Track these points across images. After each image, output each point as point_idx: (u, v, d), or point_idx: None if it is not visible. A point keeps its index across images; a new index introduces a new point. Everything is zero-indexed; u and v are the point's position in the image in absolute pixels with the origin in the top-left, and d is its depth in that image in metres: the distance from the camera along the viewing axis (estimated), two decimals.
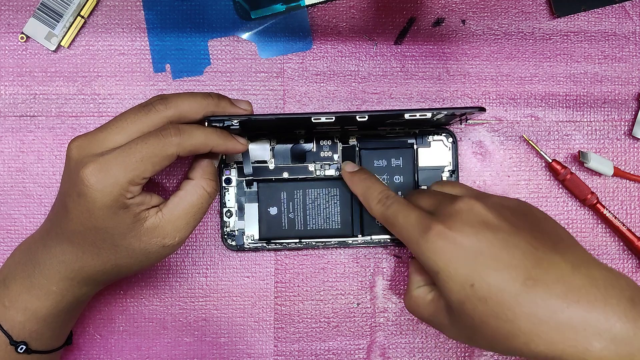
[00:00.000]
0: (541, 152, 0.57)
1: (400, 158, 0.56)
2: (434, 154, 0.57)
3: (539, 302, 0.41)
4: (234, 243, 0.56)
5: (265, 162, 0.56)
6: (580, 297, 0.40)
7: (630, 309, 0.40)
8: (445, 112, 0.48)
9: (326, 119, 0.48)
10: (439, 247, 0.44)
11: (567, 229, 0.58)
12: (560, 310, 0.40)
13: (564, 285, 0.41)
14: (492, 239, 0.43)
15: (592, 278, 0.41)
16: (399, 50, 0.58)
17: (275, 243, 0.56)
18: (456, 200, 0.46)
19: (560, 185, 0.58)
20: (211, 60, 0.57)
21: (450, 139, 0.57)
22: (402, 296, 0.58)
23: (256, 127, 0.54)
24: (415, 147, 0.57)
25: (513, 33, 0.59)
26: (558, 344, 0.40)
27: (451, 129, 0.57)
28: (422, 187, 0.57)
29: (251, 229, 0.56)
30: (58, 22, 0.55)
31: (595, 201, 0.57)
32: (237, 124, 0.48)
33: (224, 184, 0.56)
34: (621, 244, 0.58)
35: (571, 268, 0.42)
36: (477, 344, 0.44)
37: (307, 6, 0.57)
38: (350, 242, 0.57)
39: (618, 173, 0.57)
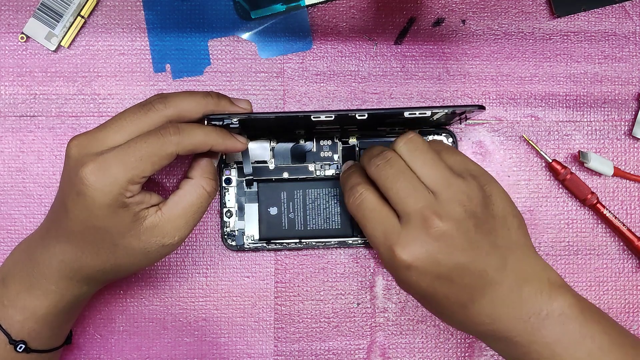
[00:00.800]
0: (541, 152, 0.57)
1: None
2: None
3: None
4: (234, 243, 0.56)
5: (265, 162, 0.56)
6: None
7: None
8: (445, 110, 0.48)
9: (326, 117, 0.48)
10: (402, 276, 0.46)
11: (567, 229, 0.58)
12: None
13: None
14: (449, 260, 0.44)
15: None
16: (399, 50, 0.58)
17: (275, 243, 0.56)
18: (423, 222, 0.45)
19: (560, 185, 0.58)
20: (211, 60, 0.57)
21: (451, 139, 0.57)
22: (407, 295, 0.58)
23: (256, 127, 0.54)
24: None
25: (513, 33, 0.59)
26: None
27: (451, 129, 0.57)
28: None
29: (251, 229, 0.56)
30: (58, 22, 0.55)
31: (595, 201, 0.57)
32: (237, 123, 0.48)
33: (224, 184, 0.56)
34: (621, 244, 0.58)
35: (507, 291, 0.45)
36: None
37: (307, 6, 0.57)
38: (350, 242, 0.56)
39: (618, 173, 0.57)
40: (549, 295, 0.45)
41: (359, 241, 0.56)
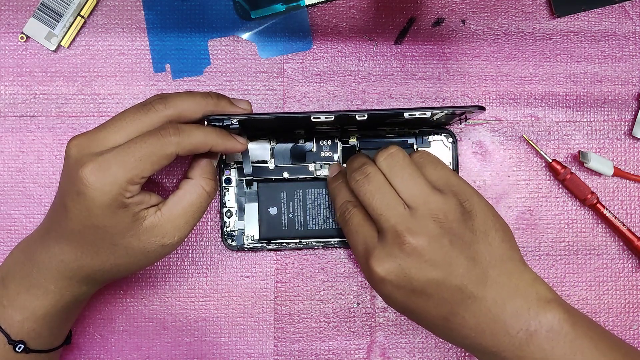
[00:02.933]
0: (541, 152, 0.57)
1: None
2: (434, 153, 0.57)
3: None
4: (234, 243, 0.56)
5: (265, 162, 0.56)
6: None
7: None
8: (444, 111, 0.48)
9: (325, 118, 0.48)
10: (379, 289, 0.47)
11: (567, 229, 0.58)
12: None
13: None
14: (421, 275, 0.45)
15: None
16: (399, 50, 0.58)
17: (275, 243, 0.56)
18: (398, 238, 0.45)
19: (560, 185, 0.58)
20: (211, 60, 0.57)
21: (450, 139, 0.57)
22: None
23: (256, 127, 0.54)
24: (415, 147, 0.57)
25: (513, 33, 0.58)
26: None
27: (451, 129, 0.57)
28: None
29: (251, 229, 0.56)
30: (58, 22, 0.55)
31: (595, 201, 0.57)
32: (237, 123, 0.48)
33: (224, 184, 0.56)
34: (621, 243, 0.58)
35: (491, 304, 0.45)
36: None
37: (307, 6, 0.57)
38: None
39: (618, 173, 0.57)
40: (536, 311, 0.45)
41: None
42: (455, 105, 0.58)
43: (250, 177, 0.56)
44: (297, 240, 0.56)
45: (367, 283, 0.57)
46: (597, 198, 0.57)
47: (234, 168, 0.56)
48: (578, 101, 0.58)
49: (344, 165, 0.56)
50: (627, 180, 0.58)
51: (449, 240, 0.45)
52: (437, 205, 0.46)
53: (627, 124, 0.59)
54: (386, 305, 0.57)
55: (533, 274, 0.47)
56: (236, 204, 0.56)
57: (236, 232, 0.56)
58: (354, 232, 0.48)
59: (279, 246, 0.56)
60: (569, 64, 0.59)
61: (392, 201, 0.46)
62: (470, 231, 0.46)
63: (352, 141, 0.57)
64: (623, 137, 0.58)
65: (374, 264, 0.46)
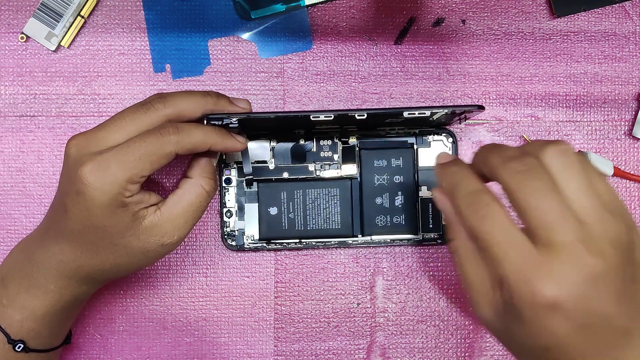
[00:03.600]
0: None
1: (401, 158, 0.56)
2: (434, 154, 0.57)
3: None
4: (234, 243, 0.56)
5: (265, 162, 0.56)
6: None
7: None
8: (444, 111, 0.48)
9: (325, 117, 0.48)
10: (538, 318, 0.38)
11: None
12: None
13: None
14: (600, 307, 0.37)
15: None
16: (399, 50, 0.58)
17: (275, 243, 0.56)
18: (560, 248, 0.37)
19: None
20: (211, 60, 0.57)
21: (450, 139, 0.57)
22: (407, 295, 0.57)
23: (255, 126, 0.54)
24: (415, 147, 0.57)
25: (513, 33, 0.58)
26: None
27: (451, 129, 0.57)
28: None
29: (251, 229, 0.56)
30: (58, 22, 0.55)
31: None
32: (236, 123, 0.48)
33: (224, 184, 0.56)
34: None
35: None
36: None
37: (307, 6, 0.57)
38: (350, 242, 0.56)
39: (618, 173, 0.57)
40: None
41: (359, 241, 0.56)
42: (455, 104, 0.58)
43: (250, 177, 0.56)
44: (297, 240, 0.56)
45: (368, 283, 0.57)
46: None
47: (234, 168, 0.56)
48: (578, 101, 0.58)
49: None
50: (627, 180, 0.58)
51: (622, 271, 0.37)
52: (612, 227, 0.38)
53: (627, 124, 0.58)
54: (386, 305, 0.57)
55: None
56: (236, 204, 0.56)
57: (236, 232, 0.56)
58: (500, 236, 0.38)
59: (279, 246, 0.56)
60: (569, 64, 0.59)
61: (567, 210, 0.37)
62: (635, 266, 0.39)
63: (352, 141, 0.57)
64: (623, 137, 0.58)
65: (543, 286, 0.36)
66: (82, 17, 0.56)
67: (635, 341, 0.38)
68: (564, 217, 0.37)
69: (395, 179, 0.56)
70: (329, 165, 0.57)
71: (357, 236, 0.56)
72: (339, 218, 0.56)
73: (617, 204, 0.39)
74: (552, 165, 0.39)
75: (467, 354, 0.57)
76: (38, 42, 0.56)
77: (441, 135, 0.57)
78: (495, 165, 0.40)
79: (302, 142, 0.56)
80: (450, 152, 0.57)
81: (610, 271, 0.37)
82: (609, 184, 0.40)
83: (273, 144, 0.56)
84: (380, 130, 0.57)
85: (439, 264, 0.58)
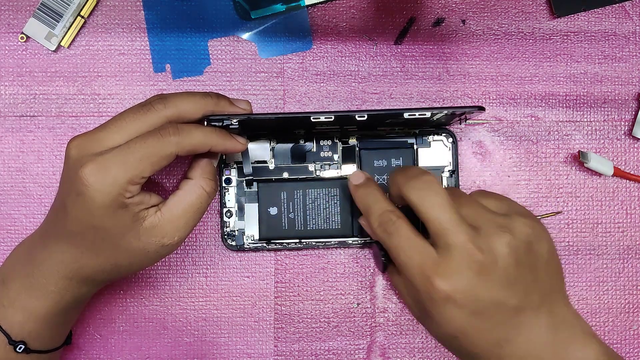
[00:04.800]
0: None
1: (400, 158, 0.56)
2: (434, 154, 0.57)
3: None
4: (234, 243, 0.56)
5: (265, 162, 0.56)
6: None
7: None
8: (444, 112, 0.48)
9: (325, 118, 0.48)
10: (438, 310, 0.44)
11: (567, 229, 0.58)
12: None
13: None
14: (488, 295, 0.43)
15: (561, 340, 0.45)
16: (399, 50, 0.58)
17: (275, 243, 0.56)
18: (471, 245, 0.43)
19: (560, 185, 0.58)
20: (211, 60, 0.57)
21: (450, 139, 0.57)
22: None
23: (256, 127, 0.54)
24: (415, 147, 0.57)
25: (513, 33, 0.58)
26: None
27: (451, 129, 0.57)
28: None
29: (251, 229, 0.56)
30: (58, 22, 0.55)
31: None
32: (237, 124, 0.48)
33: (224, 184, 0.56)
34: (621, 244, 0.58)
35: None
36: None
37: (307, 6, 0.57)
38: (350, 242, 0.56)
39: (618, 173, 0.57)
40: (582, 344, 0.44)
41: (359, 241, 0.56)
42: (455, 105, 0.58)
43: (250, 177, 0.56)
44: (297, 240, 0.56)
45: (368, 283, 0.57)
46: None
47: (234, 168, 0.56)
48: (578, 101, 0.58)
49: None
50: (627, 180, 0.58)
51: (515, 260, 0.43)
52: (502, 224, 0.44)
53: (627, 124, 0.59)
54: (386, 305, 0.57)
55: (575, 310, 0.46)
56: (236, 204, 0.56)
57: (236, 232, 0.56)
58: (405, 246, 0.45)
59: (279, 246, 0.56)
60: (569, 64, 0.59)
61: (460, 218, 0.44)
62: (535, 256, 0.45)
63: (352, 141, 0.57)
64: (623, 137, 0.58)
65: (438, 282, 0.43)
66: (82, 17, 0.56)
67: (528, 317, 0.44)
68: (457, 223, 0.43)
69: None
70: (329, 165, 0.57)
71: (357, 236, 0.56)
72: (339, 218, 0.56)
73: (511, 207, 0.47)
74: (452, 190, 0.47)
75: None
76: (38, 42, 0.56)
77: (441, 135, 0.57)
78: (401, 184, 0.46)
79: (302, 142, 0.56)
80: (450, 152, 0.57)
81: (499, 262, 0.43)
82: (507, 199, 0.48)
83: (273, 144, 0.56)
84: (381, 130, 0.57)
85: None
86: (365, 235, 0.56)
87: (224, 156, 0.56)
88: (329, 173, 0.57)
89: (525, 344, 0.44)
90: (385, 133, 0.57)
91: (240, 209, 0.56)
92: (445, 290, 0.43)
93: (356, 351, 0.57)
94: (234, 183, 0.56)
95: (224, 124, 0.48)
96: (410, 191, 0.45)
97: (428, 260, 0.44)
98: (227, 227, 0.56)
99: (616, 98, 0.58)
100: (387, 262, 0.48)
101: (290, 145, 0.56)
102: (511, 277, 0.43)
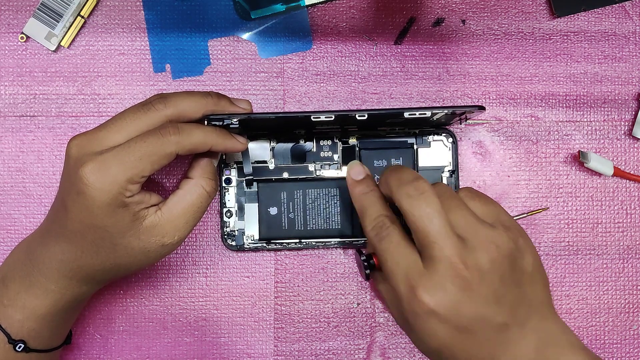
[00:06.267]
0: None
1: (400, 158, 0.56)
2: (434, 154, 0.57)
3: None
4: (234, 243, 0.56)
5: (265, 162, 0.56)
6: None
7: None
8: (445, 111, 0.48)
9: (325, 117, 0.48)
10: (420, 322, 0.43)
11: (567, 229, 0.58)
12: None
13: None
14: (471, 310, 0.43)
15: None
16: (399, 50, 0.58)
17: (275, 243, 0.56)
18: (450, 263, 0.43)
19: (560, 185, 0.58)
20: (211, 60, 0.57)
21: (450, 139, 0.57)
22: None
23: (256, 127, 0.54)
24: (415, 147, 0.57)
25: (513, 33, 0.59)
26: None
27: (451, 129, 0.57)
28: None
29: (251, 229, 0.56)
30: (58, 22, 0.55)
31: None
32: (237, 123, 0.48)
33: (224, 184, 0.56)
34: (621, 244, 0.58)
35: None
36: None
37: (307, 6, 0.57)
38: (350, 242, 0.56)
39: (618, 173, 0.57)
40: (569, 358, 0.43)
41: (359, 241, 0.56)
42: (455, 105, 0.58)
43: (250, 177, 0.56)
44: (297, 240, 0.56)
45: (368, 283, 0.57)
46: None
47: (234, 168, 0.56)
48: (578, 101, 0.58)
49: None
50: (627, 180, 0.58)
51: (499, 276, 0.43)
52: (489, 238, 0.43)
53: (627, 124, 0.59)
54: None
55: (562, 322, 0.46)
56: (236, 204, 0.56)
57: (236, 232, 0.56)
58: (393, 252, 0.45)
59: (279, 246, 0.56)
60: (569, 64, 0.59)
61: (449, 231, 0.43)
62: (520, 270, 0.44)
63: (352, 141, 0.57)
64: (623, 137, 0.59)
65: (422, 294, 0.42)
66: (82, 17, 0.56)
67: (514, 334, 0.43)
68: (445, 236, 0.43)
69: None
70: (329, 165, 0.57)
71: (357, 236, 0.56)
72: (339, 218, 0.56)
73: (500, 218, 0.46)
74: (442, 191, 0.46)
75: None
76: (38, 42, 0.56)
77: (441, 135, 0.57)
78: (393, 188, 0.46)
79: (302, 142, 0.56)
80: (450, 152, 0.57)
81: (483, 278, 0.42)
82: (495, 204, 0.47)
83: (273, 144, 0.56)
84: (381, 130, 0.57)
85: None
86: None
87: (224, 156, 0.56)
88: (329, 173, 0.57)
89: None
90: (385, 133, 0.57)
91: (240, 209, 0.56)
92: (428, 303, 0.42)
93: (356, 351, 0.57)
94: (234, 183, 0.56)
95: (224, 123, 0.48)
96: (402, 197, 0.45)
97: (414, 270, 0.43)
98: (227, 227, 0.56)
99: (616, 98, 0.58)
100: (368, 268, 0.47)
101: (291, 145, 0.56)
102: (497, 294, 0.43)
